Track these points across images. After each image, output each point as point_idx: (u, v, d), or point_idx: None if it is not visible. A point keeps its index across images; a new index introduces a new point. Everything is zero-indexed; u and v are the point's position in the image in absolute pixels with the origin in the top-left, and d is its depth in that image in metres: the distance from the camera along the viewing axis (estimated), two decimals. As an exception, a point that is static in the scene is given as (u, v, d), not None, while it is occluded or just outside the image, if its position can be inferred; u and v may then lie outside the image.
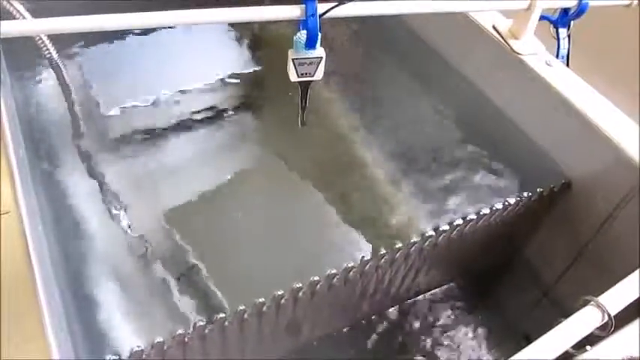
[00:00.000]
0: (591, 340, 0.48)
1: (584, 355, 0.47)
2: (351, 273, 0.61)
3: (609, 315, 0.46)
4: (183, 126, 0.75)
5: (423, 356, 0.81)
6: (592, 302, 0.47)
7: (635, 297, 0.48)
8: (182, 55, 0.87)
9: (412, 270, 0.72)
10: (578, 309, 0.48)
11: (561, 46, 0.79)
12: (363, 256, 0.61)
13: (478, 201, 0.69)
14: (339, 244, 0.63)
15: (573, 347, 0.46)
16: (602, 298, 0.47)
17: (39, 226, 0.56)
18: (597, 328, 0.47)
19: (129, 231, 0.62)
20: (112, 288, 0.56)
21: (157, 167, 0.69)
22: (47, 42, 0.74)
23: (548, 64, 0.77)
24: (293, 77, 0.69)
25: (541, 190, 0.71)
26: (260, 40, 0.92)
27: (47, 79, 0.78)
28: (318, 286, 0.59)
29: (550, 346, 0.44)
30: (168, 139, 0.73)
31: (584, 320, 0.46)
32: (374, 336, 0.80)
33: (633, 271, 0.51)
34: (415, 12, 0.72)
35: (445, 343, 0.83)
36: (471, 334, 0.84)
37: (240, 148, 0.73)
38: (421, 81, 0.88)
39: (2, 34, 0.58)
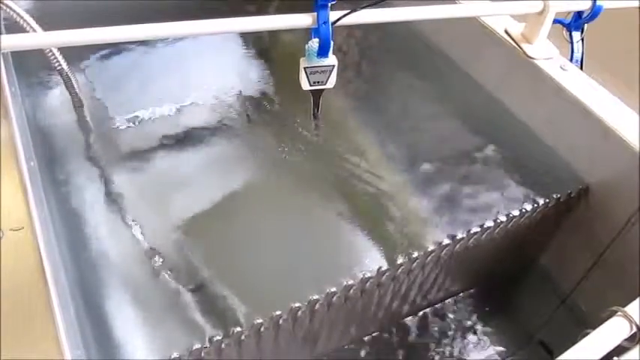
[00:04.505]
0: (618, 351, 0.47)
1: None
2: (368, 284, 0.60)
3: (637, 326, 0.45)
4: (196, 137, 0.74)
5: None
6: (619, 313, 0.45)
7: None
8: (193, 66, 0.87)
9: (429, 279, 0.71)
10: (604, 320, 0.47)
11: (575, 50, 0.79)
12: (379, 267, 0.60)
13: (494, 208, 0.68)
14: (355, 254, 0.62)
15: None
16: (629, 309, 0.46)
17: (52, 240, 0.56)
18: (625, 339, 0.45)
19: (142, 243, 0.61)
20: (126, 302, 0.55)
21: (169, 178, 0.68)
22: (57, 53, 0.74)
23: (563, 69, 0.76)
24: (305, 86, 0.69)
25: (558, 196, 0.70)
26: (271, 50, 0.92)
27: (58, 91, 0.78)
28: (335, 297, 0.58)
29: (579, 359, 0.42)
30: (180, 149, 0.72)
31: (612, 331, 0.45)
32: (390, 346, 0.79)
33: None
34: (426, 18, 0.71)
35: (461, 351, 0.82)
36: (487, 342, 0.83)
37: (253, 160, 0.73)
38: (434, 87, 0.87)
39: (13, 47, 0.58)
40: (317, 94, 0.72)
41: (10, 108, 0.65)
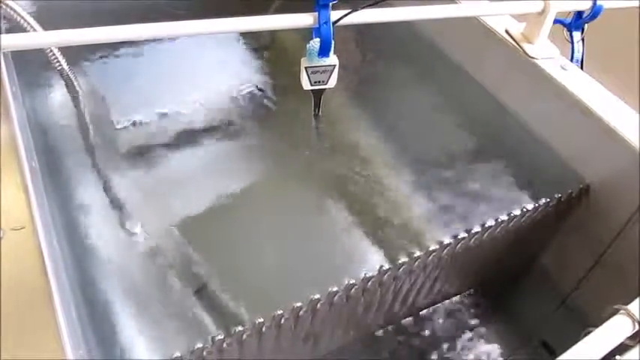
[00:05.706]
0: (620, 349, 0.47)
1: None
2: (370, 283, 0.60)
3: (640, 324, 0.45)
4: (196, 138, 0.74)
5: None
6: (622, 311, 0.45)
7: (665, 304, 0.47)
8: (194, 66, 0.87)
9: (430, 279, 0.71)
10: (606, 318, 0.47)
11: (575, 50, 0.79)
12: (381, 266, 0.60)
13: (495, 207, 0.68)
14: (356, 253, 0.62)
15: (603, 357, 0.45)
16: (632, 307, 0.46)
17: (54, 240, 0.56)
18: (627, 337, 0.45)
19: (143, 243, 0.61)
20: (127, 302, 0.55)
21: (169, 179, 0.68)
22: (58, 53, 0.74)
23: (564, 68, 0.76)
24: (306, 86, 0.69)
25: (559, 195, 0.70)
26: (273, 50, 0.92)
27: (58, 91, 0.78)
28: (337, 296, 0.58)
29: (582, 357, 0.42)
30: (180, 150, 0.72)
31: (614, 329, 0.45)
32: (391, 346, 0.79)
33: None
34: (427, 18, 0.72)
35: (463, 351, 0.82)
36: (488, 342, 0.83)
37: (253, 160, 0.73)
38: (434, 87, 0.87)
39: (13, 47, 0.58)
40: (318, 94, 0.73)
41: (11, 108, 0.65)
